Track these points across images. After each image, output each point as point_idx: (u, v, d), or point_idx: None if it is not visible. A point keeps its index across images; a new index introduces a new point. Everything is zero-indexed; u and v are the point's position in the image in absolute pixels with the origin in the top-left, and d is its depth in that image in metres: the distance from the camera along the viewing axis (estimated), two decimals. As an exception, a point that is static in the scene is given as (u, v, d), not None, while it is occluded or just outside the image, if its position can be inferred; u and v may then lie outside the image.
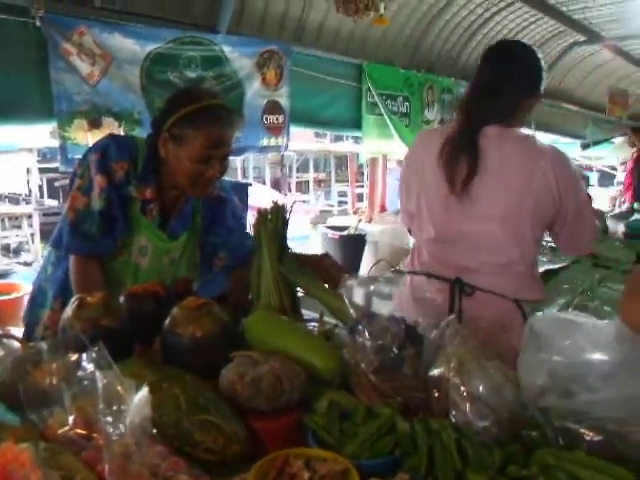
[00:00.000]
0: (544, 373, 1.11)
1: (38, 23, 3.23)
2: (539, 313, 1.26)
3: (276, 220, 1.76)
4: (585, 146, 10.46)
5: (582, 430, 1.08)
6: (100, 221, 1.76)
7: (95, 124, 3.60)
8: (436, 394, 1.23)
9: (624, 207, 6.89)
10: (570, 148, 9.52)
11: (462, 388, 1.19)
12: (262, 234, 1.74)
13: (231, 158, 1.89)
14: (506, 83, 1.94)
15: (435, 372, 1.29)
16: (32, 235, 8.58)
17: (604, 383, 1.12)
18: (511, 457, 1.03)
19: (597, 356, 1.16)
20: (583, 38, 7.93)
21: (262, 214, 1.77)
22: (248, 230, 2.07)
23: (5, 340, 1.31)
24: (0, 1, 3.10)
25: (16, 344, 1.32)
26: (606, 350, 1.15)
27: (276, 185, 13.92)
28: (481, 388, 1.17)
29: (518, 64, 1.98)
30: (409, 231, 2.24)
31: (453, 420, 1.15)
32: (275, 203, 1.79)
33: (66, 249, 1.81)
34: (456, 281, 1.95)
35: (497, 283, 1.93)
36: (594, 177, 14.35)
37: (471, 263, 1.95)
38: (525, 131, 2.04)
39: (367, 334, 1.32)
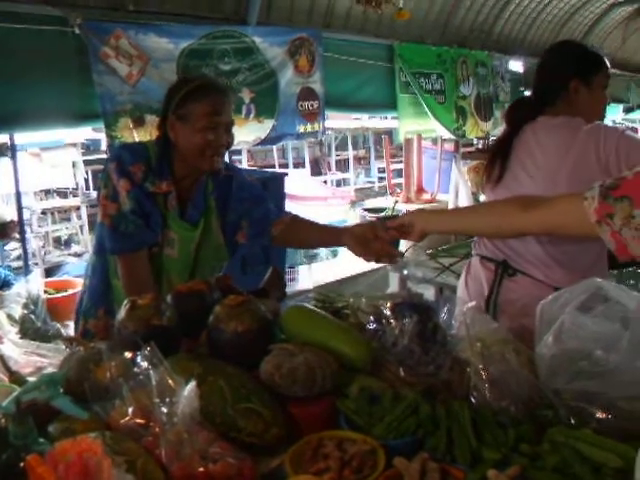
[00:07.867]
0: (554, 355, 1.20)
1: (77, 31, 3.40)
2: (550, 296, 1.33)
3: None
4: (628, 110, 10.21)
5: (592, 410, 1.16)
6: (134, 219, 1.89)
7: (139, 122, 3.75)
8: (458, 376, 1.34)
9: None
10: (612, 112, 9.31)
11: (482, 372, 1.28)
12: None
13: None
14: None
15: (459, 356, 1.39)
16: (81, 227, 8.82)
17: (614, 362, 1.20)
18: (524, 435, 1.12)
19: (607, 335, 1.23)
20: (622, -3, 7.71)
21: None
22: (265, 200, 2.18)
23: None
24: (40, 13, 3.29)
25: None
26: (615, 329, 1.23)
27: (316, 165, 13.99)
28: (499, 372, 1.26)
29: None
30: None
31: (473, 401, 1.25)
32: None
33: (111, 251, 1.95)
34: (501, 263, 2.04)
35: (540, 268, 1.97)
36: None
37: (519, 248, 2.00)
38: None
39: (393, 323, 1.43)
